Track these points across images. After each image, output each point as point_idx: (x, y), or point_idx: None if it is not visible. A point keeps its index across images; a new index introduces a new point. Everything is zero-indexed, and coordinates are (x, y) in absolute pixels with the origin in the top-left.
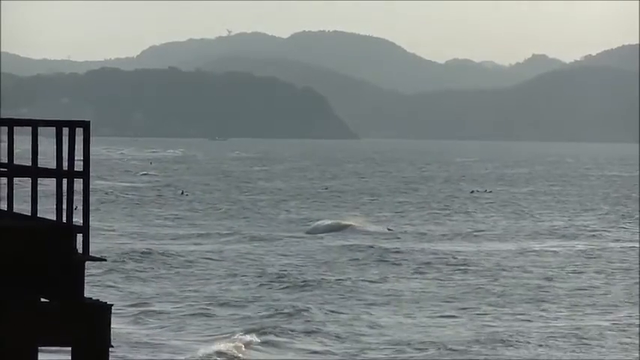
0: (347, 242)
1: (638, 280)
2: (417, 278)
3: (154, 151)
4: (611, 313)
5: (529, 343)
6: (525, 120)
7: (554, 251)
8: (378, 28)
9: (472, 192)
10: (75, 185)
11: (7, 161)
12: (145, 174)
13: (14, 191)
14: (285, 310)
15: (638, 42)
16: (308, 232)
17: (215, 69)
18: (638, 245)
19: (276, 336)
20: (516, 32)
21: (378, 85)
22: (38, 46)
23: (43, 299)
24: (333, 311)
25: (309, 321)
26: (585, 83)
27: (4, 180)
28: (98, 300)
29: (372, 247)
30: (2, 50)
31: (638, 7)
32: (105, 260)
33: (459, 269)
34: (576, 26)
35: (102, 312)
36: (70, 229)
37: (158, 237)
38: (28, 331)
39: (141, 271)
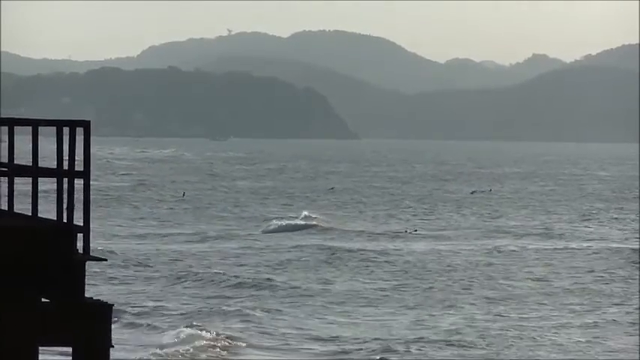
0: (294, 242)
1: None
2: (357, 277)
3: (143, 151)
4: (556, 312)
5: (480, 340)
6: (526, 120)
7: (513, 250)
8: (378, 28)
9: (473, 192)
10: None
11: (7, 161)
12: (125, 174)
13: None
14: (224, 308)
15: (638, 42)
16: (263, 231)
17: (215, 69)
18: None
19: (208, 333)
20: (517, 32)
21: (378, 85)
22: (38, 46)
23: (43, 299)
24: (268, 310)
25: (242, 320)
26: (585, 83)
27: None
28: (99, 300)
29: (321, 246)
30: (2, 50)
31: (638, 7)
32: (105, 260)
33: (407, 268)
34: (576, 26)
35: (103, 312)
36: (71, 229)
37: (107, 236)
38: (28, 330)
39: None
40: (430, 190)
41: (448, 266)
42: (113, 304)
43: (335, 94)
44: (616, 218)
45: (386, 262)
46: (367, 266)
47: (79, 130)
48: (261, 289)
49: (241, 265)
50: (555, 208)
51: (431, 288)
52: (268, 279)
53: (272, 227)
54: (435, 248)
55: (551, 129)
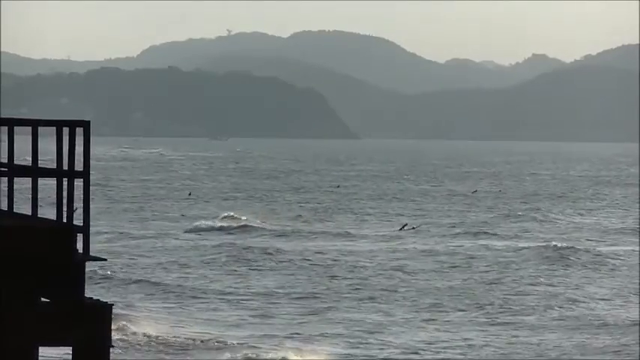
0: (207, 242)
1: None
2: (270, 277)
3: (123, 150)
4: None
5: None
6: (526, 120)
7: (433, 250)
8: (378, 28)
9: (474, 192)
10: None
11: (7, 161)
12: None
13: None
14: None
15: (638, 42)
16: (186, 231)
17: (215, 69)
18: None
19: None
20: (516, 32)
21: (378, 85)
22: (38, 46)
23: (43, 299)
24: (153, 309)
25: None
26: (585, 83)
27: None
28: (99, 300)
29: (226, 246)
30: (2, 50)
31: (638, 7)
32: (105, 260)
33: (326, 267)
34: (576, 26)
35: (102, 312)
36: (71, 229)
37: None
38: (28, 331)
39: None
40: (384, 189)
41: (352, 266)
42: (113, 304)
43: (335, 94)
44: (534, 217)
45: (288, 260)
46: (260, 265)
47: (79, 131)
48: (144, 287)
49: (136, 264)
50: (480, 207)
51: (315, 288)
52: (153, 277)
53: (193, 227)
54: (345, 248)
55: (551, 129)
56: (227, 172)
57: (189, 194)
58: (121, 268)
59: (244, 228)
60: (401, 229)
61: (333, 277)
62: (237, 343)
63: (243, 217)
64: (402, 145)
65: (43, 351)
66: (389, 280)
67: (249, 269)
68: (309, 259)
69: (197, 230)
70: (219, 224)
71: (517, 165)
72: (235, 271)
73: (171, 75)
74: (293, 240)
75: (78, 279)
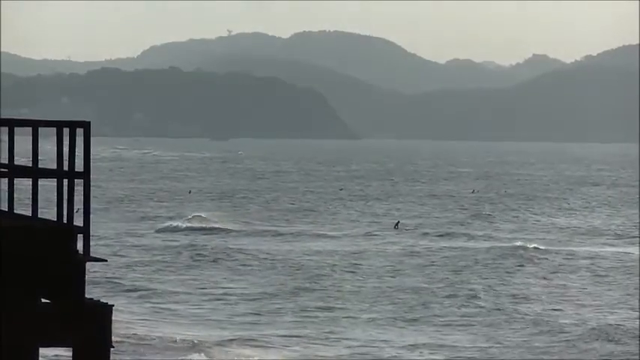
0: (175, 241)
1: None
2: (229, 277)
3: (115, 151)
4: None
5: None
6: (526, 120)
7: (388, 250)
8: (378, 28)
9: (473, 192)
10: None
11: (7, 161)
12: None
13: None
14: None
15: (638, 42)
16: (156, 231)
17: (215, 69)
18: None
19: None
20: (517, 33)
21: (378, 85)
22: (39, 47)
23: (43, 300)
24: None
25: None
26: (586, 83)
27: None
28: (99, 300)
29: (195, 245)
30: (2, 50)
31: (638, 7)
32: (106, 261)
33: (285, 267)
34: (577, 26)
35: (103, 312)
36: (71, 230)
37: None
38: (28, 331)
39: None
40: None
41: (296, 265)
42: (113, 305)
43: (335, 94)
44: (505, 218)
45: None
46: (218, 266)
47: (79, 131)
48: (97, 285)
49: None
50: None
51: (271, 288)
52: (112, 276)
53: (161, 227)
54: (310, 248)
55: (551, 129)
56: (214, 173)
57: (190, 192)
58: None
59: (210, 229)
60: (395, 227)
61: (291, 277)
62: (192, 343)
63: (211, 218)
64: (401, 146)
65: (43, 351)
66: (346, 281)
67: (208, 270)
68: (269, 260)
69: (164, 230)
70: (186, 225)
71: (507, 166)
72: (193, 271)
73: (172, 75)
74: (257, 240)
75: (78, 279)
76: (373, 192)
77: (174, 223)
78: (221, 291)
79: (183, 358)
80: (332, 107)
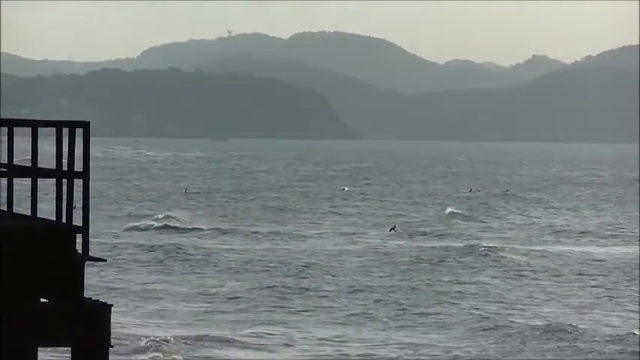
0: (138, 240)
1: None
2: (191, 277)
3: (107, 151)
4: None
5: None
6: (526, 121)
7: (349, 250)
8: (378, 29)
9: (470, 190)
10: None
11: (7, 161)
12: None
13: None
14: None
15: (638, 42)
16: (124, 230)
17: (215, 69)
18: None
19: None
20: (517, 33)
21: (378, 86)
22: (38, 47)
23: (42, 299)
24: None
25: None
26: (586, 84)
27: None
28: (98, 300)
29: (160, 246)
30: (3, 51)
31: (638, 7)
32: (105, 261)
33: (246, 267)
34: (577, 27)
35: (102, 312)
36: (70, 230)
37: None
38: (27, 331)
39: None
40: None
41: (275, 266)
42: (112, 305)
43: (335, 95)
44: (474, 217)
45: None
46: (181, 266)
47: (79, 131)
48: None
49: None
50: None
51: (231, 288)
52: None
53: (130, 226)
54: (276, 247)
55: (551, 130)
56: (201, 172)
57: (186, 191)
58: None
59: (180, 228)
60: (390, 230)
61: (254, 277)
62: (150, 342)
63: (183, 217)
64: (401, 146)
65: (43, 351)
66: (307, 280)
67: (171, 269)
68: (232, 259)
69: (133, 229)
70: (156, 224)
71: (495, 166)
72: (158, 270)
73: (172, 76)
74: (225, 239)
75: (77, 279)
76: (355, 191)
77: (147, 222)
78: (186, 291)
79: (144, 357)
80: (332, 107)
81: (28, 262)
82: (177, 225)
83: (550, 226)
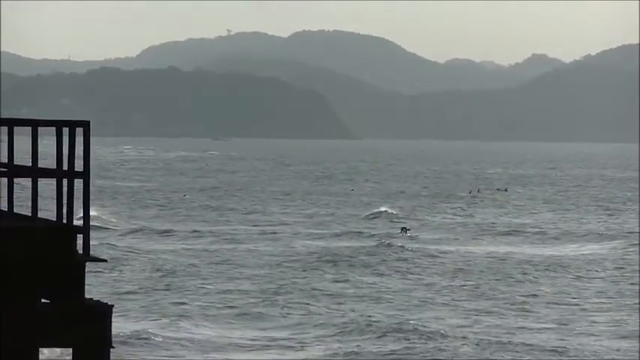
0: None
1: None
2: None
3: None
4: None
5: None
6: (526, 120)
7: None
8: (378, 28)
9: (477, 191)
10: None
11: (7, 161)
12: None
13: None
14: None
15: (638, 42)
16: None
17: (215, 69)
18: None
19: None
20: (516, 32)
21: (378, 85)
22: (38, 46)
23: (43, 300)
24: None
25: None
26: (585, 83)
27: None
28: (99, 301)
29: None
30: (2, 50)
31: (638, 7)
32: (105, 261)
33: (159, 267)
34: (576, 26)
35: (102, 312)
36: (70, 230)
37: None
38: (28, 331)
39: None
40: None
41: (191, 265)
42: (113, 305)
43: (335, 94)
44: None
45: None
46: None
47: (79, 131)
48: None
49: None
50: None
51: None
52: None
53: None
54: (194, 247)
55: (551, 129)
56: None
57: (184, 196)
58: None
59: (98, 227)
60: (401, 232)
61: (164, 278)
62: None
63: (108, 217)
64: (400, 146)
65: (43, 351)
66: (208, 280)
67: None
68: (140, 259)
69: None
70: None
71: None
72: None
73: (171, 75)
74: (136, 240)
75: (78, 280)
76: (315, 191)
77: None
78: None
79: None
80: (331, 107)
81: (28, 262)
82: (98, 224)
83: (478, 224)
